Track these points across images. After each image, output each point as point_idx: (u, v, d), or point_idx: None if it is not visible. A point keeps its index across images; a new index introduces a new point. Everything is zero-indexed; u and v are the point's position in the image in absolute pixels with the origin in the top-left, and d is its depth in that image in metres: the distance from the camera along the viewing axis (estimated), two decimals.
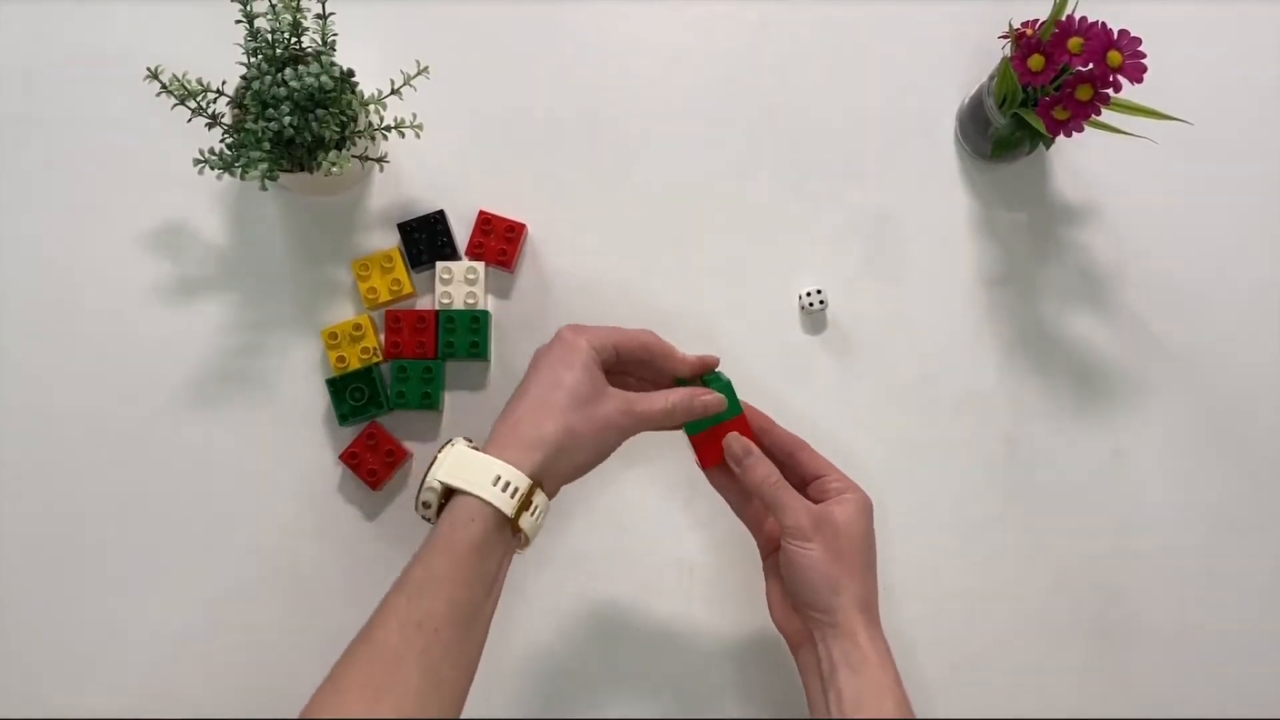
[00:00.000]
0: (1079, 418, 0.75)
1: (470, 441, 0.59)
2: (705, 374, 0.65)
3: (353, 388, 0.73)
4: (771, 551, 0.64)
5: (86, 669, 0.73)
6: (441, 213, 0.74)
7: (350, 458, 0.73)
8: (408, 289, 0.73)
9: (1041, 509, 0.75)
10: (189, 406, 0.74)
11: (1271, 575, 0.74)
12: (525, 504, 0.55)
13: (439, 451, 0.57)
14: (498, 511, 0.54)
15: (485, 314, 0.74)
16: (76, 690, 0.72)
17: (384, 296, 0.73)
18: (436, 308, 0.74)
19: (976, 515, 0.74)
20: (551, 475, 0.57)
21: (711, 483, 0.66)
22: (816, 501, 0.62)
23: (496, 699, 0.72)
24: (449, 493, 0.55)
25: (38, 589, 0.73)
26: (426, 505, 0.56)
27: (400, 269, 0.73)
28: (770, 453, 0.64)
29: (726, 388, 0.63)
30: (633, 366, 0.64)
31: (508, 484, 0.55)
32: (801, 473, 0.64)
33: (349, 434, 0.74)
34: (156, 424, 0.74)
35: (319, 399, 0.74)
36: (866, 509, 0.62)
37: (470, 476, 0.55)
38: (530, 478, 0.55)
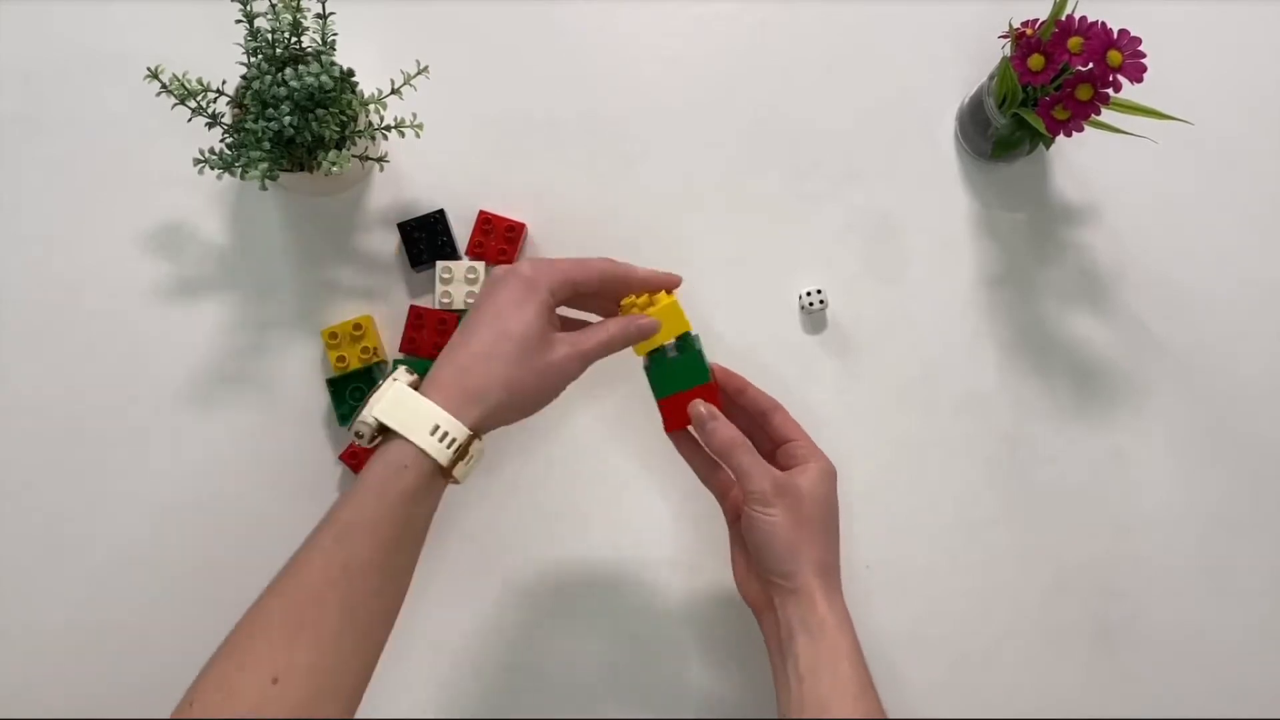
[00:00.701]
0: (1079, 418, 0.75)
1: (412, 374, 0.57)
2: (680, 334, 0.62)
3: (353, 388, 0.73)
4: (736, 518, 0.64)
5: (84, 669, 0.73)
6: (441, 212, 0.74)
7: (350, 458, 0.73)
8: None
9: (1041, 509, 0.75)
10: (189, 406, 0.74)
11: (1271, 575, 0.74)
12: (461, 454, 0.54)
13: (381, 382, 0.56)
14: (433, 461, 0.53)
15: None
16: (73, 690, 0.72)
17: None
18: (436, 307, 0.74)
19: (976, 515, 0.74)
20: (491, 423, 0.56)
21: (677, 449, 0.65)
22: (783, 468, 0.62)
23: (495, 698, 0.72)
24: (384, 428, 0.54)
25: (38, 589, 0.73)
26: (359, 435, 0.55)
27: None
28: (746, 412, 0.64)
29: (697, 355, 0.62)
30: (591, 299, 0.63)
31: (445, 434, 0.54)
32: (773, 435, 0.64)
33: (349, 434, 0.74)
34: (156, 424, 0.74)
35: (319, 399, 0.74)
36: (830, 475, 0.62)
37: (409, 422, 0.54)
38: (469, 429, 0.54)
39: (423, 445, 0.53)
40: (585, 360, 0.59)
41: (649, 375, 0.63)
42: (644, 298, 0.62)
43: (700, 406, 0.62)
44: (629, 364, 0.63)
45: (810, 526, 0.60)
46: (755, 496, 0.59)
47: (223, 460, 0.74)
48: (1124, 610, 0.74)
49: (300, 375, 0.75)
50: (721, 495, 0.65)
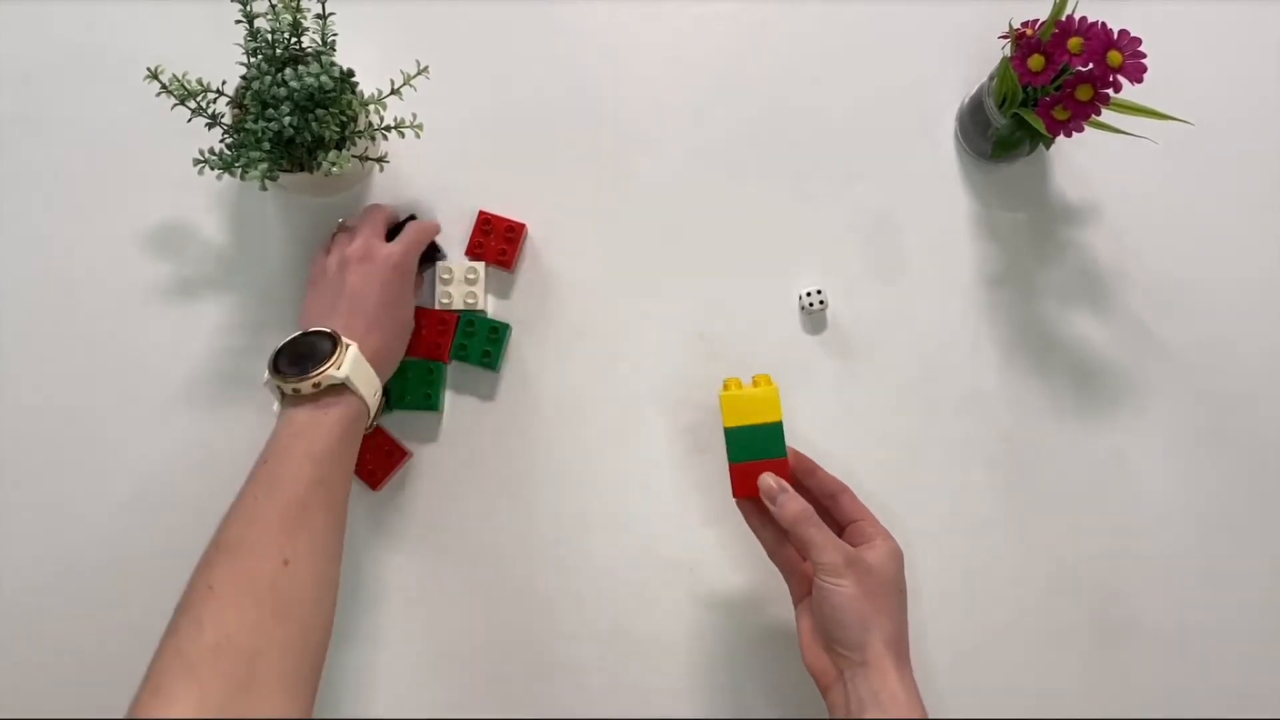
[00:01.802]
0: (1079, 418, 0.75)
1: (349, 345, 0.65)
2: (770, 421, 0.64)
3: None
4: (802, 596, 0.64)
5: (84, 669, 0.73)
6: (412, 217, 0.75)
7: None
8: None
9: (1041, 509, 0.75)
10: (189, 406, 0.74)
11: (1271, 575, 0.74)
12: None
13: (339, 348, 0.64)
14: (371, 414, 0.67)
15: (506, 327, 0.74)
16: (73, 690, 0.72)
17: None
18: (435, 307, 0.74)
19: (976, 515, 0.74)
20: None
21: (746, 521, 0.66)
22: (851, 545, 0.62)
23: (494, 698, 0.72)
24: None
25: (38, 589, 0.73)
26: (316, 386, 0.63)
27: None
28: (813, 494, 0.65)
29: (777, 428, 0.64)
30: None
31: (377, 392, 0.67)
32: (839, 517, 0.65)
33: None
34: (156, 424, 0.74)
35: None
36: (898, 556, 0.62)
37: (367, 384, 0.65)
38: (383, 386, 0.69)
39: (371, 404, 0.66)
40: (400, 272, 0.70)
41: (727, 437, 0.64)
42: (747, 384, 0.65)
43: (770, 480, 0.63)
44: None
45: (880, 599, 0.60)
46: (825, 568, 0.60)
47: (222, 460, 0.74)
48: (1124, 610, 0.74)
49: None
50: (788, 572, 0.65)
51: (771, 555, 0.66)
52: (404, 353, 0.72)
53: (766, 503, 0.63)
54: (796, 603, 0.65)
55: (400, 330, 0.70)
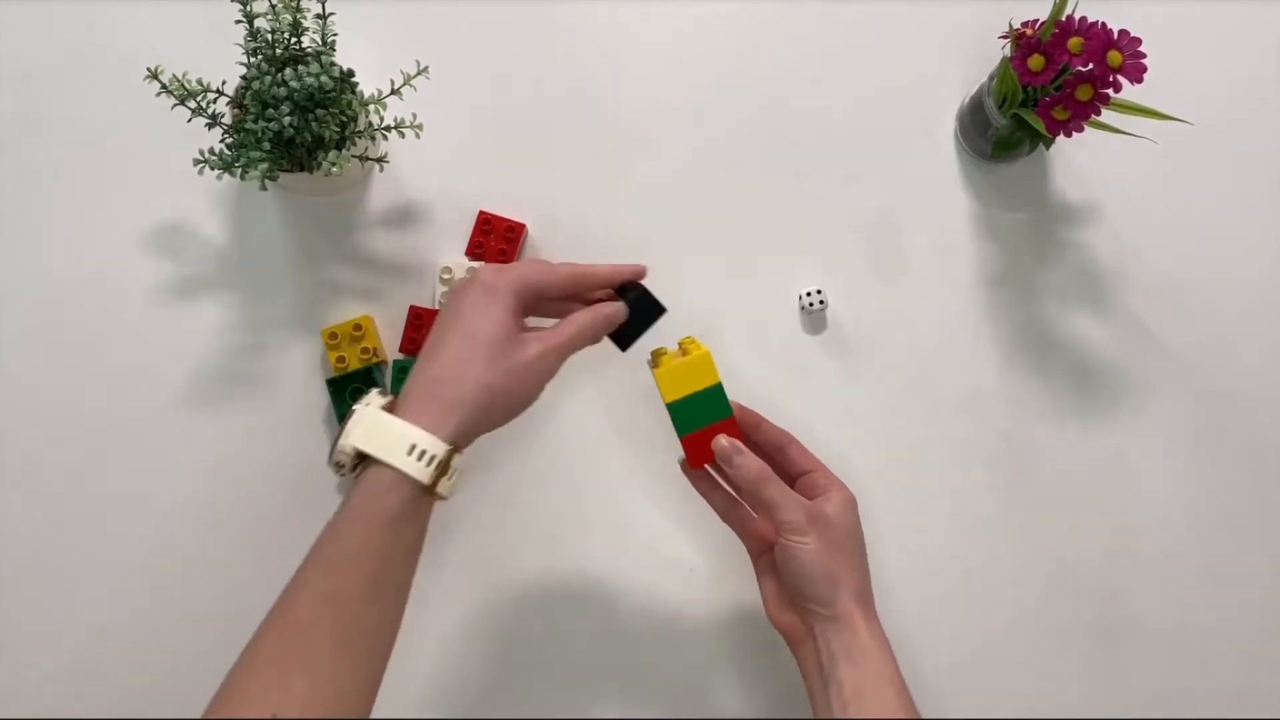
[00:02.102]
0: (1079, 418, 0.75)
1: (386, 396, 0.56)
2: (710, 385, 0.63)
3: (353, 388, 0.73)
4: (763, 552, 0.64)
5: (84, 669, 0.73)
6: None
7: None
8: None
9: (1041, 509, 0.75)
10: (189, 407, 0.74)
11: (1271, 575, 0.74)
12: (443, 470, 0.53)
13: (355, 406, 0.55)
14: (415, 481, 0.52)
15: None
16: (73, 690, 0.72)
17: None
18: (435, 307, 0.74)
19: (976, 515, 0.74)
20: (471, 434, 0.55)
21: (696, 487, 0.66)
22: (806, 498, 0.62)
23: (497, 698, 0.72)
24: (363, 455, 0.53)
25: (37, 589, 0.73)
26: (339, 466, 0.54)
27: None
28: (760, 448, 0.64)
29: (718, 390, 0.63)
30: (559, 304, 0.62)
31: (424, 452, 0.52)
32: (789, 468, 0.65)
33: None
34: (156, 424, 0.74)
35: (319, 399, 0.74)
36: (853, 504, 0.63)
37: (385, 444, 0.52)
38: (448, 443, 0.53)
39: (401, 467, 0.52)
40: (559, 354, 0.57)
41: (670, 412, 0.63)
42: (677, 348, 0.63)
43: (724, 441, 0.62)
44: (617, 358, 0.63)
45: (844, 552, 0.60)
46: (789, 526, 0.59)
47: (222, 460, 0.74)
48: (1124, 610, 0.74)
49: (300, 375, 0.75)
50: (743, 531, 0.65)
51: (724, 517, 0.65)
52: (512, 396, 0.56)
53: (723, 465, 0.62)
54: (755, 558, 0.65)
55: (477, 356, 0.55)
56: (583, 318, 0.59)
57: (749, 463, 0.61)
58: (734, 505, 0.65)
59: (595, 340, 0.60)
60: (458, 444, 0.54)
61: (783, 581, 0.62)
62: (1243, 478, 0.75)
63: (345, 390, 0.73)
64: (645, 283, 0.62)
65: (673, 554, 0.74)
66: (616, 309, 0.60)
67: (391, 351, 0.75)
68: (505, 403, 0.56)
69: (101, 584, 0.73)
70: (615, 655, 0.73)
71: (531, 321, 0.60)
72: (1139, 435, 0.75)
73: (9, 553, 0.73)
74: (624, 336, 0.62)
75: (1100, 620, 0.74)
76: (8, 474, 0.74)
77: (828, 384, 0.75)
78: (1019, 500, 0.75)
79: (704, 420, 0.63)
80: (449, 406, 0.54)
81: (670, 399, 0.62)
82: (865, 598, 0.61)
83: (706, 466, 0.65)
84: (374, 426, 0.53)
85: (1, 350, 0.75)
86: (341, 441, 0.53)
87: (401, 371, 0.73)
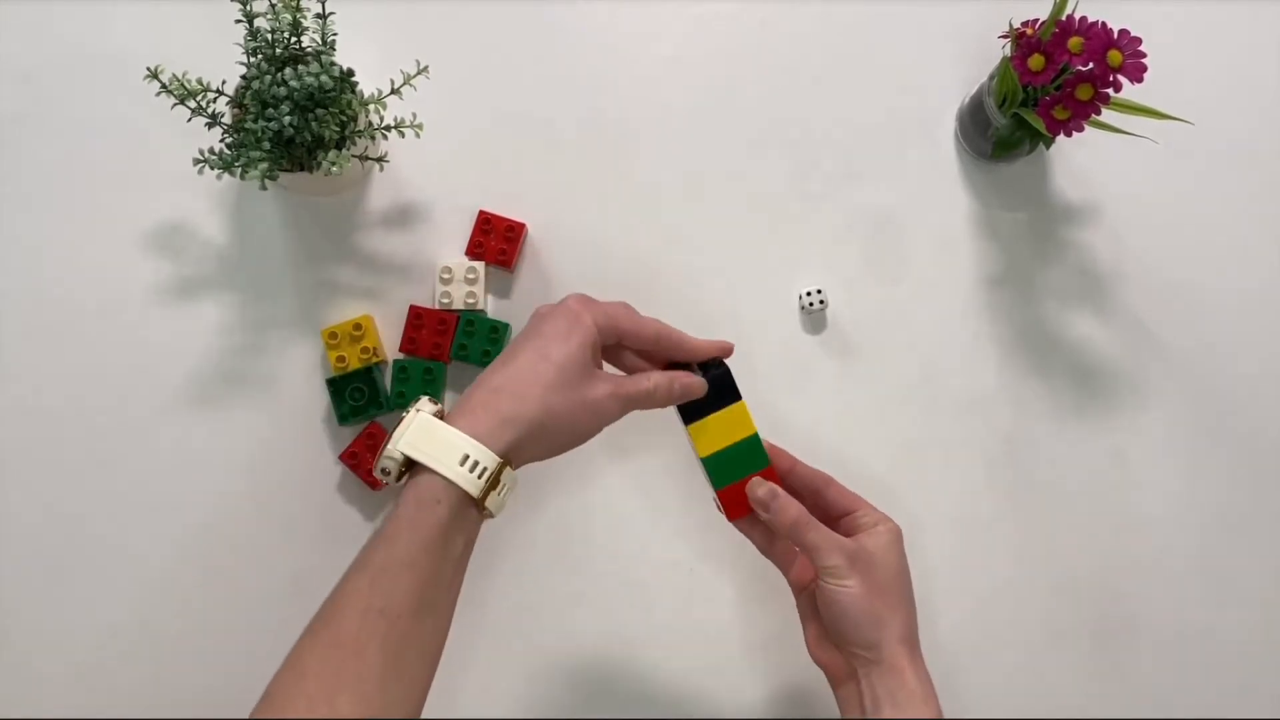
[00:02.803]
0: (1079, 418, 0.75)
1: (435, 404, 0.55)
2: (746, 437, 0.61)
3: (353, 388, 0.73)
4: (803, 588, 0.62)
5: (84, 669, 0.73)
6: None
7: (350, 458, 0.73)
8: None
9: (1041, 509, 0.75)
10: (189, 406, 0.74)
11: (1271, 575, 0.74)
12: (493, 483, 0.52)
13: (404, 413, 0.54)
14: (464, 493, 0.51)
15: (506, 327, 0.74)
16: (73, 690, 0.72)
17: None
18: (436, 306, 0.74)
19: (976, 515, 0.74)
20: (523, 453, 0.54)
21: (739, 529, 0.64)
22: (848, 535, 0.60)
23: (498, 699, 0.72)
24: (411, 461, 0.52)
25: (37, 589, 0.73)
26: (385, 473, 0.53)
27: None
28: (797, 491, 0.62)
29: (754, 441, 0.61)
30: (633, 356, 0.61)
31: (476, 463, 0.51)
32: (830, 509, 0.62)
33: (349, 434, 0.74)
34: (156, 424, 0.74)
35: (319, 399, 0.74)
36: (898, 538, 0.60)
37: (436, 453, 0.51)
38: (500, 456, 0.52)
39: (452, 476, 0.51)
40: (625, 404, 0.57)
41: (705, 467, 0.62)
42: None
43: (760, 490, 0.60)
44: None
45: (889, 593, 0.58)
46: (829, 571, 0.58)
47: (222, 460, 0.74)
48: (1124, 610, 0.74)
49: (300, 375, 0.75)
50: (785, 564, 0.63)
51: (765, 552, 0.63)
52: (571, 427, 0.56)
53: (760, 512, 0.61)
54: (797, 594, 0.63)
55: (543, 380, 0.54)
56: (661, 380, 0.59)
57: (787, 507, 0.59)
58: (774, 540, 0.63)
59: (664, 405, 0.60)
60: (509, 458, 0.53)
61: (825, 623, 0.60)
62: (1243, 478, 0.75)
63: (345, 390, 0.73)
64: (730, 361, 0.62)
65: (672, 554, 0.74)
66: (696, 384, 0.60)
67: (391, 351, 0.75)
68: (562, 432, 0.55)
69: (101, 584, 0.73)
70: (614, 655, 0.73)
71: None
72: (1139, 435, 0.75)
73: (9, 553, 0.73)
74: (692, 410, 0.61)
75: (1100, 620, 0.74)
76: (8, 474, 0.74)
77: (828, 384, 0.75)
78: (1019, 500, 0.75)
79: (740, 473, 0.61)
80: (505, 419, 0.53)
81: (705, 454, 0.61)
82: (912, 640, 0.59)
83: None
84: (425, 433, 0.52)
85: (1, 350, 0.75)
86: (390, 447, 0.52)
87: (402, 371, 0.73)
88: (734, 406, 0.61)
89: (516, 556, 0.74)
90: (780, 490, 0.61)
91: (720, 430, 0.61)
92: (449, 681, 0.73)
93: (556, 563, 0.74)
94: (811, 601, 0.61)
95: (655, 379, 0.59)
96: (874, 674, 0.57)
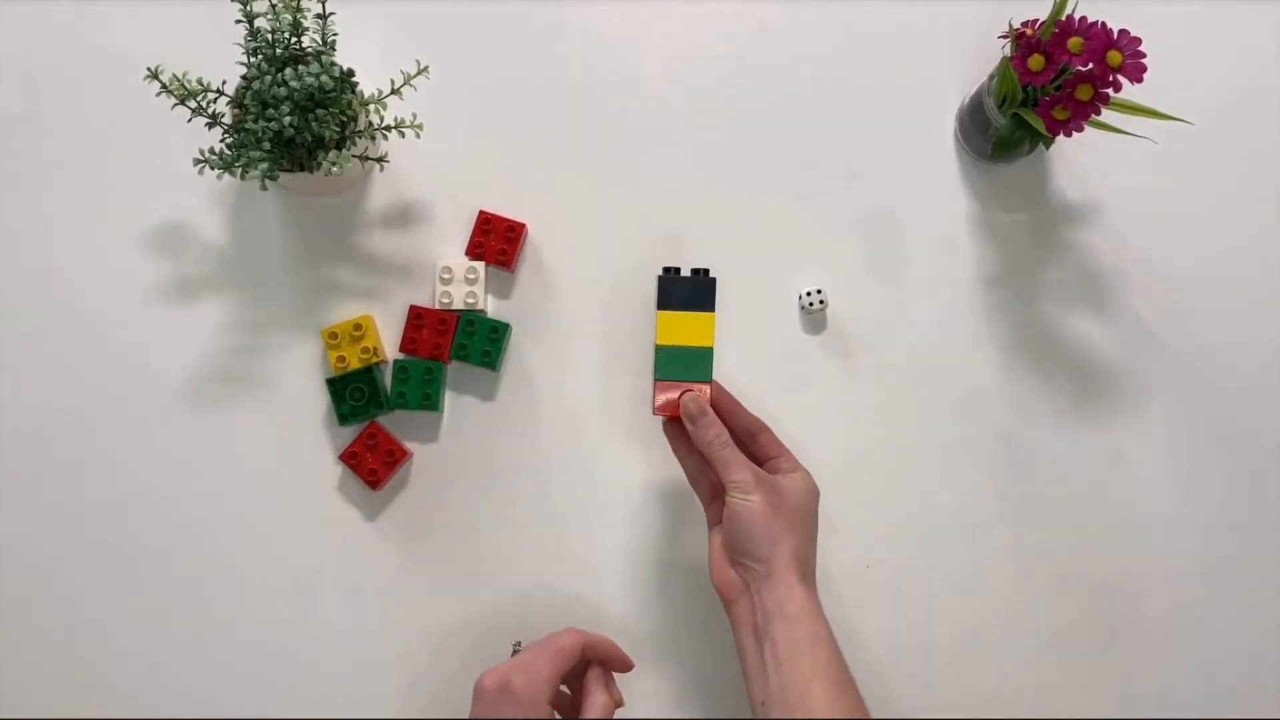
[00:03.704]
0: (1079, 418, 0.75)
1: None
2: (702, 345, 0.65)
3: (353, 388, 0.73)
4: (718, 520, 0.65)
5: (84, 669, 0.73)
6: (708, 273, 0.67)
7: (350, 458, 0.73)
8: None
9: (1041, 509, 0.75)
10: (189, 407, 0.74)
11: (1271, 575, 0.74)
12: None
13: None
14: None
15: (506, 327, 0.74)
16: (73, 690, 0.72)
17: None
18: (435, 306, 0.74)
19: (976, 515, 0.74)
20: None
21: (673, 449, 0.67)
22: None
23: None
24: None
25: (37, 589, 0.73)
26: None
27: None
28: (734, 431, 0.66)
29: (707, 354, 0.65)
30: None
31: None
32: (758, 453, 0.66)
33: (349, 434, 0.74)
34: (156, 424, 0.74)
35: (319, 399, 0.74)
36: (812, 489, 0.64)
37: None
38: None
39: None
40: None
41: (657, 353, 0.65)
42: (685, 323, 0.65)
43: (691, 401, 0.64)
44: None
45: (789, 517, 0.62)
46: (736, 485, 0.62)
47: (222, 460, 0.74)
48: (1124, 610, 0.74)
49: (300, 375, 0.75)
50: (708, 499, 0.67)
51: (693, 483, 0.67)
52: None
53: (685, 422, 0.64)
54: (710, 525, 0.66)
55: None
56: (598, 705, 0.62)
57: (711, 425, 0.64)
58: (704, 471, 0.66)
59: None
60: None
61: (725, 541, 0.63)
62: (1243, 478, 0.75)
63: (345, 390, 0.73)
64: None
65: (671, 554, 0.74)
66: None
67: (391, 351, 0.75)
68: None
69: (101, 584, 0.73)
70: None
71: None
72: (1139, 435, 0.75)
73: (9, 553, 0.73)
74: (670, 299, 0.65)
75: (1100, 620, 0.74)
76: (7, 473, 0.74)
77: (828, 384, 0.75)
78: (1019, 500, 0.75)
79: (685, 375, 0.65)
80: None
81: (661, 342, 0.65)
82: (805, 566, 0.62)
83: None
84: None
85: (1, 350, 0.75)
86: None
87: (402, 371, 0.73)
88: (705, 315, 0.65)
89: None
90: (710, 410, 0.64)
91: (684, 329, 0.65)
92: (451, 678, 0.73)
93: (558, 562, 0.74)
94: (719, 530, 0.64)
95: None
96: (764, 587, 0.60)
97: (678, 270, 0.66)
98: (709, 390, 0.65)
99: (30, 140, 0.77)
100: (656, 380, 0.65)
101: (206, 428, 0.74)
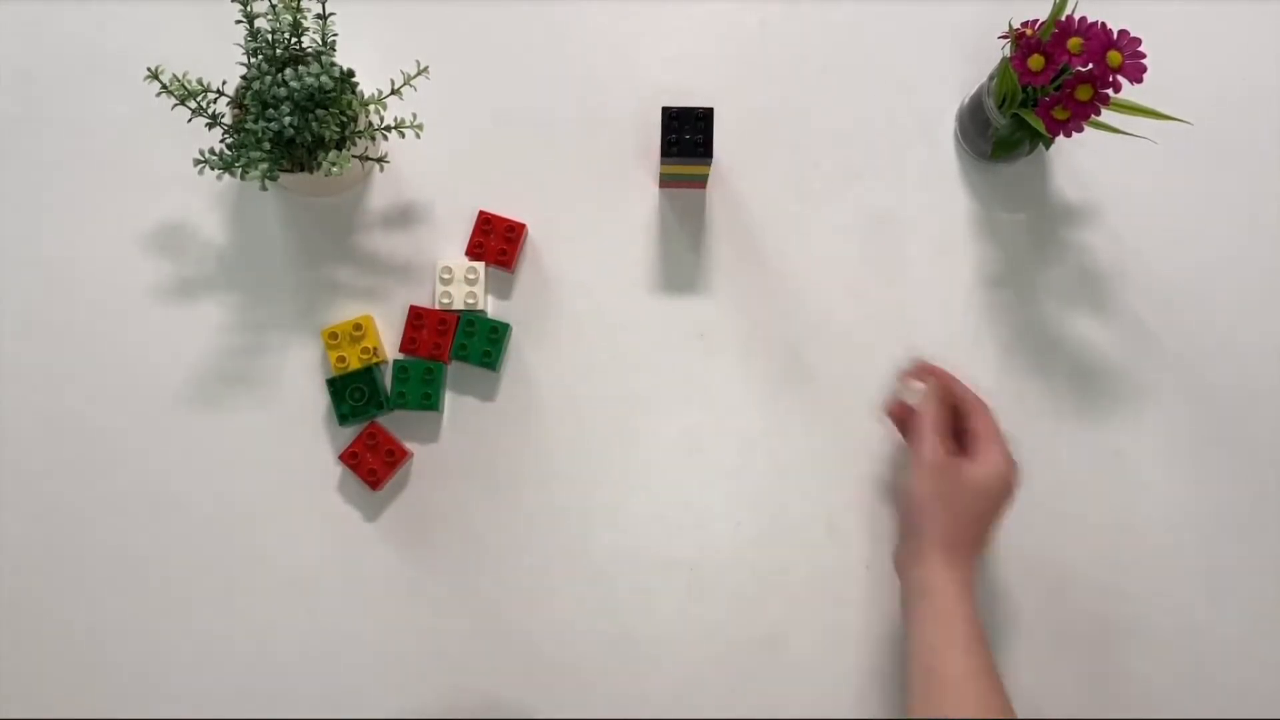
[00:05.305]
0: (1079, 418, 0.75)
1: None
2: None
3: (353, 388, 0.73)
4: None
5: (84, 669, 0.73)
6: (710, 111, 0.69)
7: (350, 458, 0.73)
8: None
9: (1041, 509, 0.74)
10: (189, 407, 0.74)
11: (1271, 575, 0.74)
12: None
13: None
14: None
15: (506, 327, 0.74)
16: (74, 689, 0.72)
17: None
18: (435, 306, 0.74)
19: None
20: None
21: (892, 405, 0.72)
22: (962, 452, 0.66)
23: (494, 697, 0.72)
24: None
25: (37, 589, 0.73)
26: None
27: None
28: (953, 410, 0.69)
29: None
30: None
31: None
32: (967, 433, 0.68)
33: (349, 434, 0.74)
34: (157, 424, 0.74)
35: (319, 399, 0.74)
36: (995, 478, 0.65)
37: None
38: None
39: None
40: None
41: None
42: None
43: (917, 383, 0.69)
44: None
45: (954, 504, 0.64)
46: (918, 460, 0.65)
47: (222, 460, 0.74)
48: (1124, 610, 0.74)
49: (300, 375, 0.75)
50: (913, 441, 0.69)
51: (900, 429, 0.71)
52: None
53: (914, 382, 0.69)
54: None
55: None
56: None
57: (928, 403, 0.67)
58: (909, 420, 0.69)
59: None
60: None
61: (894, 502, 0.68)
62: (1243, 477, 0.75)
63: (345, 390, 0.73)
64: None
65: (672, 554, 0.73)
66: None
67: (391, 351, 0.75)
68: None
69: (101, 584, 0.73)
70: (614, 654, 0.73)
71: None
72: (1139, 435, 0.75)
73: (9, 553, 0.73)
74: (673, 147, 0.70)
75: (1100, 620, 0.74)
76: (7, 473, 0.74)
77: (827, 384, 0.75)
78: (1019, 500, 0.75)
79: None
80: None
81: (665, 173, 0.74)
82: (955, 547, 0.63)
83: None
84: None
85: (2, 350, 0.75)
86: None
87: (402, 371, 0.73)
88: (700, 164, 0.70)
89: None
90: (932, 391, 0.68)
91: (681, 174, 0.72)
92: (452, 678, 0.73)
93: (557, 562, 0.74)
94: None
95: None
96: (911, 563, 0.64)
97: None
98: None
99: (30, 140, 0.77)
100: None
101: (206, 428, 0.74)
